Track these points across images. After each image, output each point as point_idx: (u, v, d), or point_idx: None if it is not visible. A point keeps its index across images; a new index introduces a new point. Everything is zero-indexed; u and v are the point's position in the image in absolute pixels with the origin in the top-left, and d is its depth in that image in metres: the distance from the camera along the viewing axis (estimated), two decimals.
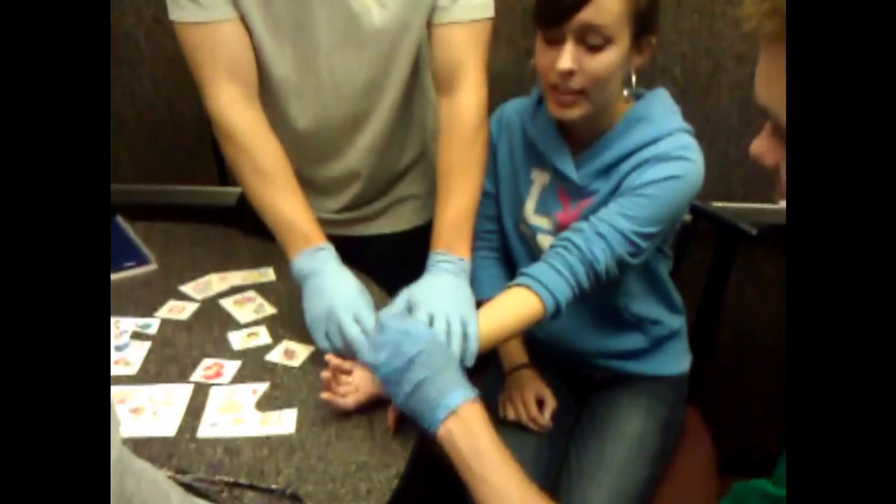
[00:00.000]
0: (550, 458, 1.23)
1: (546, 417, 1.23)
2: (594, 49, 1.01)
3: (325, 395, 0.93)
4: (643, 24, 1.04)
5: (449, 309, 0.97)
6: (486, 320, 1.01)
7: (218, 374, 1.03)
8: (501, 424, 1.24)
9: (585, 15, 0.98)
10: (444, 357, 0.87)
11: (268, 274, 1.28)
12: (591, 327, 1.26)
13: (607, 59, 1.02)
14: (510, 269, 1.29)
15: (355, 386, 0.96)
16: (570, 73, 1.02)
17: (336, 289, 0.99)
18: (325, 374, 0.93)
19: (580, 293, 1.07)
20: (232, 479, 0.82)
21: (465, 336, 0.96)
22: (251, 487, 0.81)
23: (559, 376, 1.31)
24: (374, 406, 0.96)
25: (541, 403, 1.24)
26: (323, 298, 0.98)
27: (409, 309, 0.98)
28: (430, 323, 0.95)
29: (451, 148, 1.10)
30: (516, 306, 1.05)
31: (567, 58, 1.01)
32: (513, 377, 1.28)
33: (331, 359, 0.94)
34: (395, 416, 0.92)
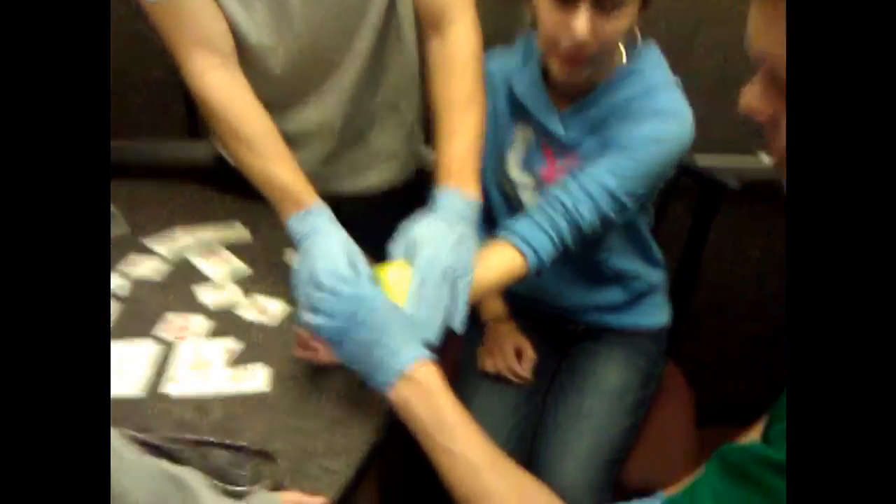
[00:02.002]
0: (529, 411, 1.22)
1: (525, 369, 1.21)
2: (610, 12, 0.96)
3: (298, 352, 0.90)
4: None
5: (449, 262, 0.90)
6: None
7: (186, 331, 1.00)
8: (480, 378, 1.23)
9: None
10: (391, 317, 0.80)
11: (240, 230, 1.24)
12: (570, 282, 1.25)
13: (622, 21, 0.98)
14: (489, 224, 1.26)
15: None
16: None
17: (321, 250, 0.95)
18: (300, 329, 0.90)
19: (563, 251, 1.05)
20: (199, 438, 0.80)
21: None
22: (219, 445, 0.79)
23: (538, 330, 1.30)
24: None
25: (520, 355, 1.23)
26: (306, 261, 0.94)
27: (409, 250, 0.91)
28: (428, 275, 0.88)
29: (451, 84, 1.05)
30: (499, 263, 1.02)
31: (584, 24, 0.95)
32: (491, 328, 1.26)
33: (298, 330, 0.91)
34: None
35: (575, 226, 1.03)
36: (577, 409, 1.17)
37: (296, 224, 0.98)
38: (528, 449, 1.19)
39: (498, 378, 1.22)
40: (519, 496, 0.71)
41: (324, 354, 0.91)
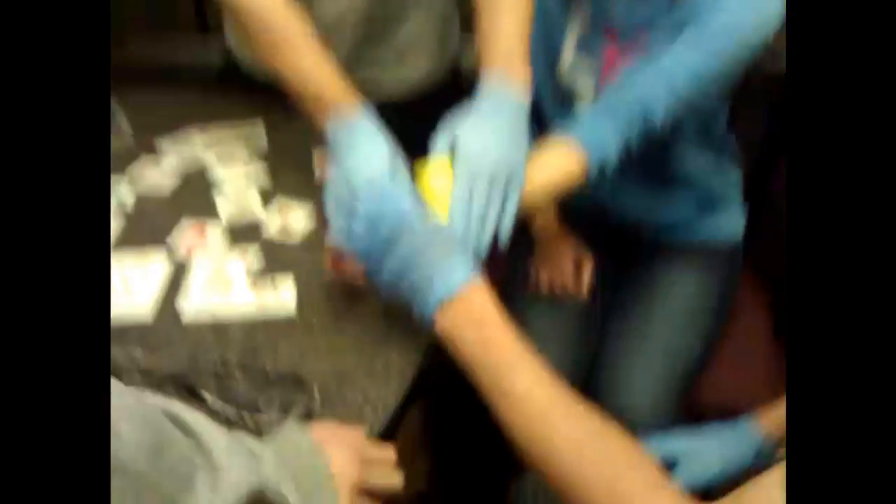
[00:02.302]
0: (586, 335, 1.09)
1: (584, 285, 1.08)
2: None
3: (329, 271, 0.77)
4: None
5: (499, 162, 0.77)
6: None
7: (202, 245, 0.88)
8: (530, 297, 1.10)
9: None
10: (434, 234, 0.67)
11: (261, 133, 1.11)
12: (634, 189, 1.10)
13: None
14: (538, 123, 1.11)
15: None
16: None
17: (360, 158, 0.81)
18: (331, 246, 0.77)
19: (628, 153, 0.89)
20: (219, 362, 0.68)
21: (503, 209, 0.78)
22: (242, 369, 0.67)
23: (596, 245, 1.16)
24: None
25: (577, 271, 1.10)
26: (341, 170, 0.81)
27: (451, 150, 0.79)
28: (474, 178, 0.75)
29: None
30: (555, 165, 0.86)
31: None
32: (545, 242, 1.13)
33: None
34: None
35: (643, 124, 0.87)
36: (643, 336, 1.04)
37: (333, 127, 0.84)
38: (585, 377, 1.07)
39: (552, 297, 1.09)
40: (594, 446, 0.57)
41: (360, 274, 0.78)
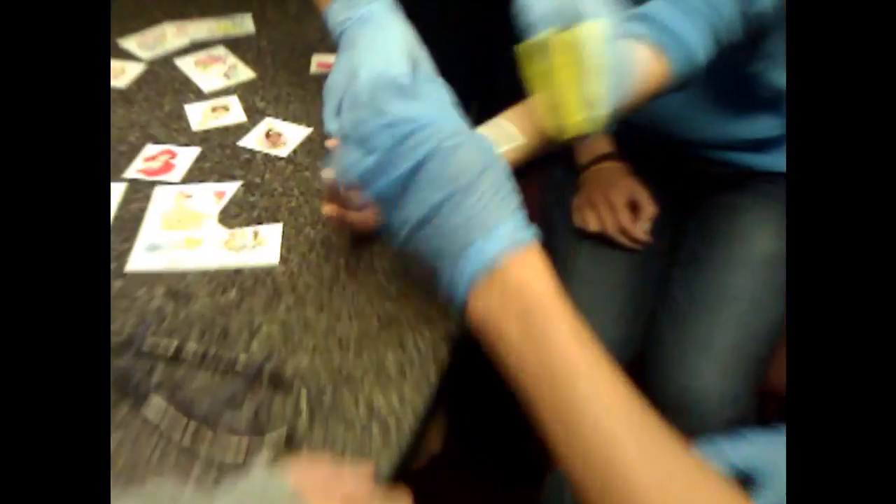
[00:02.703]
0: (643, 287, 0.90)
1: (642, 228, 0.88)
2: None
3: (327, 209, 0.56)
4: None
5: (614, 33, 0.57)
6: None
7: (167, 168, 0.67)
8: (575, 239, 0.90)
9: None
10: (480, 161, 0.43)
11: (244, 23, 0.88)
12: (708, 104, 0.87)
13: None
14: None
15: None
16: None
17: (370, 46, 0.60)
18: (328, 172, 0.57)
19: (720, 50, 0.67)
20: (173, 347, 0.49)
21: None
22: (201, 362, 0.48)
23: (657, 174, 0.94)
24: None
25: (634, 209, 0.89)
26: (351, 55, 0.59)
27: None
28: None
29: None
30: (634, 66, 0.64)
31: None
32: (593, 172, 0.92)
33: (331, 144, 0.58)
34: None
35: (739, 17, 0.65)
36: (715, 287, 0.85)
37: (339, 9, 0.62)
38: (640, 338, 0.88)
39: (601, 240, 0.89)
40: (678, 496, 0.38)
41: (365, 216, 0.58)
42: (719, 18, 0.65)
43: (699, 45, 0.64)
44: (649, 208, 0.89)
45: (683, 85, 0.68)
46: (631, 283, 0.89)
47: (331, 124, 0.60)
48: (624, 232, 0.88)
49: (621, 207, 0.88)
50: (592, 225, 0.89)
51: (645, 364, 0.86)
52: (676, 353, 0.83)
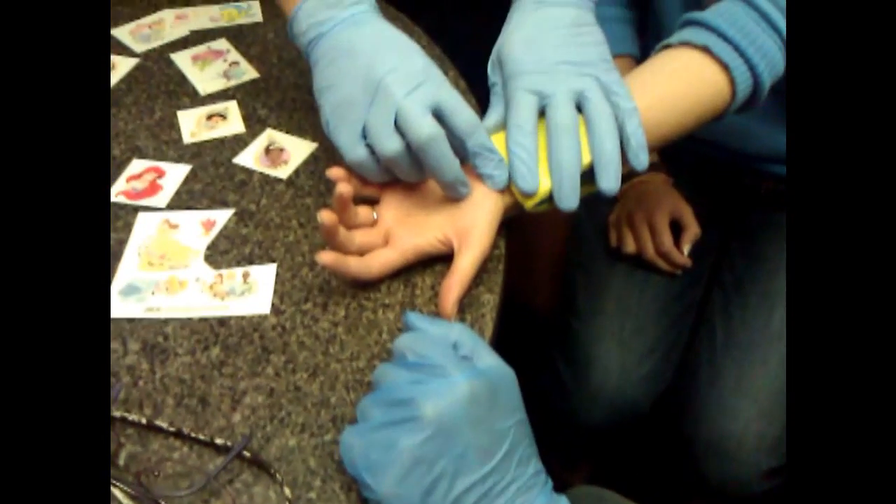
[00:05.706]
0: (682, 317, 0.82)
1: (685, 252, 0.80)
2: None
3: (323, 258, 0.48)
4: None
5: (573, 78, 0.50)
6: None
7: (152, 190, 0.60)
8: (610, 262, 0.82)
9: None
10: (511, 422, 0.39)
11: (251, 11, 0.81)
12: (764, 113, 0.78)
13: None
14: (640, 13, 0.78)
15: (383, 233, 0.52)
16: None
17: (380, 43, 0.51)
18: (326, 215, 0.48)
19: None
20: (138, 419, 0.43)
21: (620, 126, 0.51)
22: (177, 435, 0.41)
23: (701, 190, 0.86)
24: (415, 269, 0.53)
25: (675, 229, 0.81)
26: (355, 62, 0.50)
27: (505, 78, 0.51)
28: (544, 110, 0.50)
29: None
30: (686, 84, 0.56)
31: None
32: (635, 186, 0.84)
33: (334, 174, 0.51)
34: (456, 297, 0.49)
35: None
36: (760, 319, 0.77)
37: (315, 7, 0.53)
38: (676, 371, 0.81)
39: (638, 263, 0.81)
40: None
41: (373, 263, 0.51)
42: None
43: (771, 68, 0.55)
44: (693, 229, 0.80)
45: (749, 105, 0.59)
46: (668, 314, 0.81)
47: (356, 151, 0.51)
48: (663, 256, 0.80)
49: (663, 229, 0.80)
50: (630, 247, 0.81)
51: (677, 397, 0.78)
52: (714, 392, 0.75)
